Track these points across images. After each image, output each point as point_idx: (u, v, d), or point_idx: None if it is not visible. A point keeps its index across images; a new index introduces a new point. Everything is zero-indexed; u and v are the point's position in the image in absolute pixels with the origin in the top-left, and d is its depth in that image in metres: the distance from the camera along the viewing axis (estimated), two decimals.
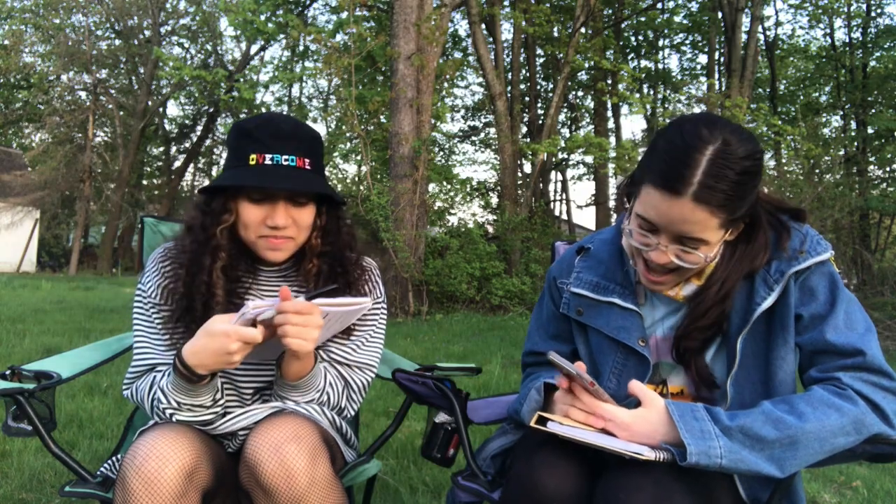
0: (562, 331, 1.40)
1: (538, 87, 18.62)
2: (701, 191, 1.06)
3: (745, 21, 13.36)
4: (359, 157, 10.71)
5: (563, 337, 1.40)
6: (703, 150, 1.07)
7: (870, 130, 15.15)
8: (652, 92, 19.21)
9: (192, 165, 29.50)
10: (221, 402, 1.31)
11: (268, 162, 1.29)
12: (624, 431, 1.10)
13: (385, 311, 1.52)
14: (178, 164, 28.45)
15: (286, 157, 1.30)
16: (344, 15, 11.70)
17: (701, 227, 1.10)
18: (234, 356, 1.17)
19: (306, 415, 1.33)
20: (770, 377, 1.18)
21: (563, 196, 23.16)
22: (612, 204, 18.38)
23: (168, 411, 1.27)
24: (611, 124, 20.57)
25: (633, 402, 1.18)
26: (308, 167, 1.33)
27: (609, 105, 18.65)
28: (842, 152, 15.08)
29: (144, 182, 29.55)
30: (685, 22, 17.55)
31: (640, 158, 1.21)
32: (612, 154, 12.33)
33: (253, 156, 1.29)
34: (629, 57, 18.95)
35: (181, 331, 1.38)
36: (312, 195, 1.35)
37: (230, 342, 1.15)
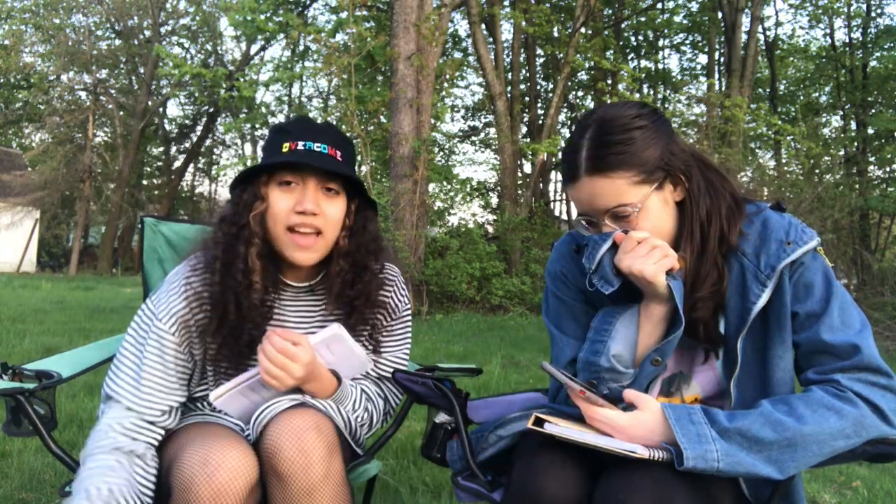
0: (579, 328, 1.33)
1: (538, 87, 18.62)
2: (589, 165, 1.15)
3: (745, 21, 13.37)
4: (359, 157, 10.73)
5: (583, 334, 1.32)
6: (583, 136, 1.17)
7: (870, 131, 15.15)
8: (652, 92, 19.20)
9: (192, 165, 29.53)
10: None
11: (300, 147, 1.30)
12: (620, 434, 1.11)
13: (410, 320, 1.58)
14: (178, 164, 28.45)
15: (318, 144, 1.31)
16: (344, 15, 11.70)
17: (612, 195, 1.15)
18: None
19: (324, 410, 1.32)
20: (768, 376, 1.18)
21: (564, 196, 23.14)
22: None
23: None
24: None
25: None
26: (339, 158, 1.33)
27: None
28: (842, 152, 15.09)
29: (144, 182, 29.53)
30: (685, 22, 17.55)
31: None
32: None
33: (286, 144, 1.31)
34: (629, 57, 18.94)
35: (213, 350, 1.34)
36: (342, 188, 1.35)
37: None
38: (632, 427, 1.10)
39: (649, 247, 1.14)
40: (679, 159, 1.18)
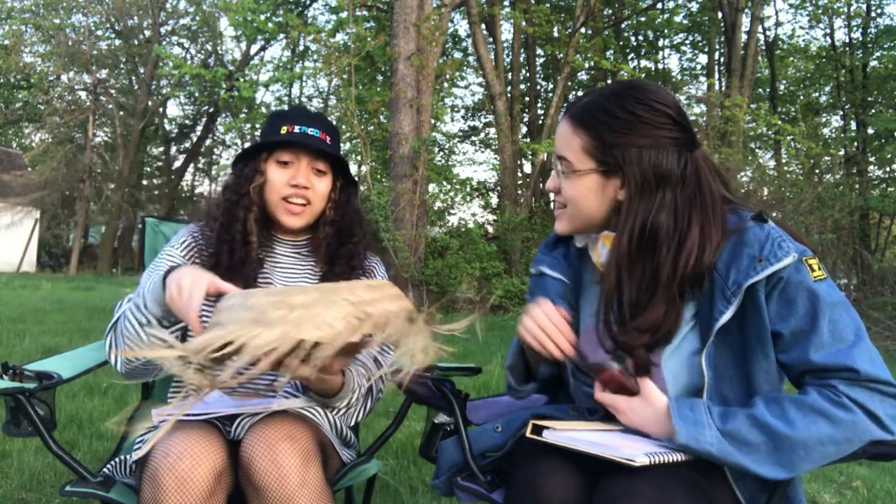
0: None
1: (538, 87, 18.61)
2: (574, 110, 1.18)
3: (745, 21, 13.38)
4: (359, 157, 10.72)
5: None
6: (602, 89, 1.18)
7: (870, 130, 15.15)
8: None
9: (192, 165, 29.51)
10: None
11: (296, 131, 1.52)
12: (622, 416, 1.15)
13: None
14: (178, 164, 28.44)
15: (311, 129, 1.53)
16: (344, 15, 11.70)
17: (565, 144, 1.18)
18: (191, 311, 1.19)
19: (303, 416, 1.34)
20: (753, 390, 1.14)
21: None
22: None
23: (137, 320, 1.29)
24: None
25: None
26: (329, 142, 1.56)
27: None
28: (842, 152, 15.10)
29: (144, 182, 29.51)
30: (685, 22, 17.53)
31: None
32: None
33: (284, 127, 1.52)
34: (629, 57, 18.93)
35: None
36: (329, 169, 1.56)
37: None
38: (630, 411, 1.14)
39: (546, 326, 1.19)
40: (646, 170, 1.12)
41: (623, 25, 17.00)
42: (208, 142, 28.71)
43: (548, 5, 14.33)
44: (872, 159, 15.34)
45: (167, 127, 28.17)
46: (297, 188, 1.50)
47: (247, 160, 1.55)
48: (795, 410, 1.05)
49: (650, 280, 1.13)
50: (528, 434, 1.13)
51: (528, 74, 16.76)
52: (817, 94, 18.71)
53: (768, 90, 18.01)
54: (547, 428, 1.14)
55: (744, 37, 13.33)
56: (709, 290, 1.14)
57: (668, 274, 1.12)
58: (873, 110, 15.61)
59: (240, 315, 1.04)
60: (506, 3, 14.33)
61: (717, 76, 16.49)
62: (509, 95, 13.06)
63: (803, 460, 1.04)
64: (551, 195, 1.28)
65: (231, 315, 1.06)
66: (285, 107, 23.37)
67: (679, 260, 1.11)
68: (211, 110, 25.89)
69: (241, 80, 15.52)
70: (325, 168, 1.55)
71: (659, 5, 16.42)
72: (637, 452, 1.02)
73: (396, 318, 1.06)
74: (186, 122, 28.57)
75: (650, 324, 1.13)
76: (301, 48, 18.81)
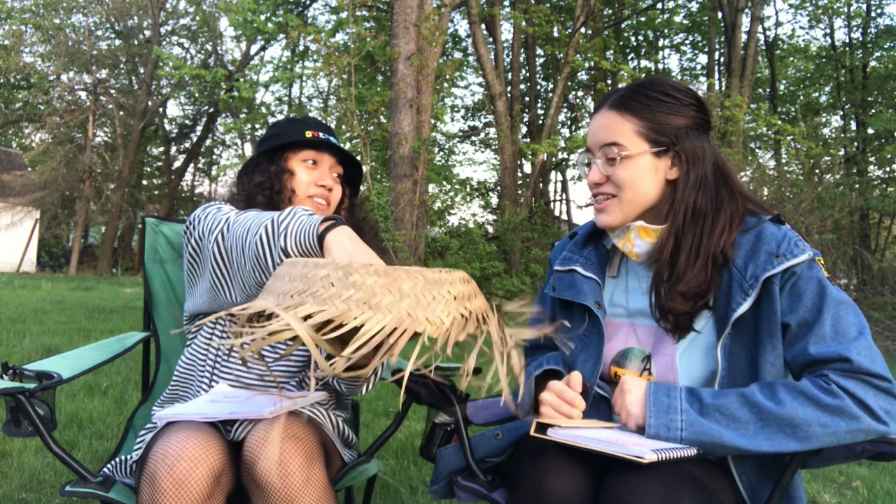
0: (549, 312, 1.47)
1: (538, 87, 18.62)
2: (615, 100, 1.25)
3: (745, 21, 13.37)
4: (358, 158, 10.73)
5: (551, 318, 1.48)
6: (636, 83, 1.26)
7: (870, 131, 15.15)
8: None
9: (192, 165, 29.51)
10: None
11: (321, 136, 1.62)
12: (619, 396, 1.20)
13: None
14: (178, 164, 28.44)
15: (332, 139, 1.64)
16: (344, 15, 11.70)
17: (615, 130, 1.23)
18: None
19: (306, 415, 1.34)
20: (759, 379, 1.17)
21: (563, 196, 23.17)
22: None
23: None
24: None
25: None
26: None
27: None
28: (842, 152, 15.09)
29: (144, 182, 29.50)
30: (685, 22, 17.55)
31: None
32: None
33: (309, 132, 1.61)
34: (629, 57, 18.94)
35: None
36: (340, 181, 1.66)
37: None
38: (627, 390, 1.19)
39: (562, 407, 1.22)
40: (693, 147, 1.22)
41: (623, 25, 17.01)
42: (208, 142, 28.72)
43: (548, 5, 14.33)
44: (872, 159, 15.34)
45: (167, 127, 28.17)
46: (324, 188, 1.59)
47: (271, 157, 1.59)
48: (786, 392, 1.10)
49: (696, 250, 1.21)
50: (532, 433, 1.13)
51: (528, 74, 16.77)
52: (817, 94, 18.72)
53: (768, 90, 18.02)
54: (551, 426, 1.14)
55: (744, 37, 13.33)
56: (727, 285, 1.20)
57: (711, 245, 1.20)
58: (873, 110, 15.62)
59: (342, 291, 0.87)
60: (506, 3, 14.33)
61: (717, 76, 16.49)
62: (509, 95, 13.06)
63: (790, 438, 1.07)
64: (592, 190, 1.30)
65: (330, 289, 0.88)
66: (285, 111, 23.20)
67: (714, 232, 1.20)
68: (211, 110, 25.89)
69: (241, 80, 15.53)
70: (340, 176, 1.65)
71: (659, 5, 16.43)
72: (645, 449, 1.03)
73: (492, 317, 0.97)
74: (186, 122, 28.58)
75: (694, 290, 1.20)
76: (301, 48, 18.81)
